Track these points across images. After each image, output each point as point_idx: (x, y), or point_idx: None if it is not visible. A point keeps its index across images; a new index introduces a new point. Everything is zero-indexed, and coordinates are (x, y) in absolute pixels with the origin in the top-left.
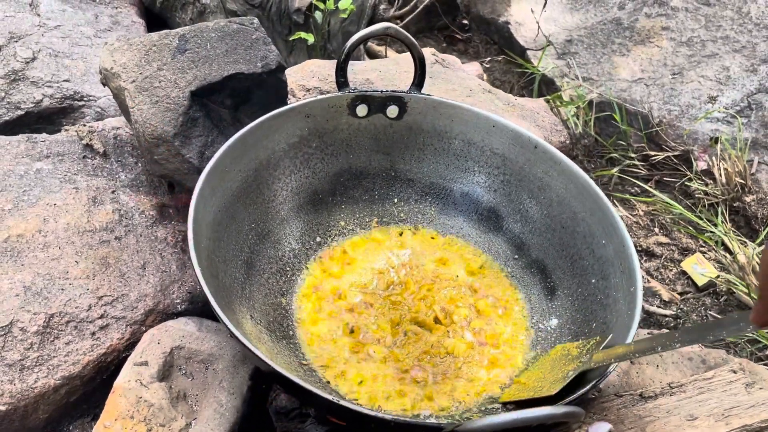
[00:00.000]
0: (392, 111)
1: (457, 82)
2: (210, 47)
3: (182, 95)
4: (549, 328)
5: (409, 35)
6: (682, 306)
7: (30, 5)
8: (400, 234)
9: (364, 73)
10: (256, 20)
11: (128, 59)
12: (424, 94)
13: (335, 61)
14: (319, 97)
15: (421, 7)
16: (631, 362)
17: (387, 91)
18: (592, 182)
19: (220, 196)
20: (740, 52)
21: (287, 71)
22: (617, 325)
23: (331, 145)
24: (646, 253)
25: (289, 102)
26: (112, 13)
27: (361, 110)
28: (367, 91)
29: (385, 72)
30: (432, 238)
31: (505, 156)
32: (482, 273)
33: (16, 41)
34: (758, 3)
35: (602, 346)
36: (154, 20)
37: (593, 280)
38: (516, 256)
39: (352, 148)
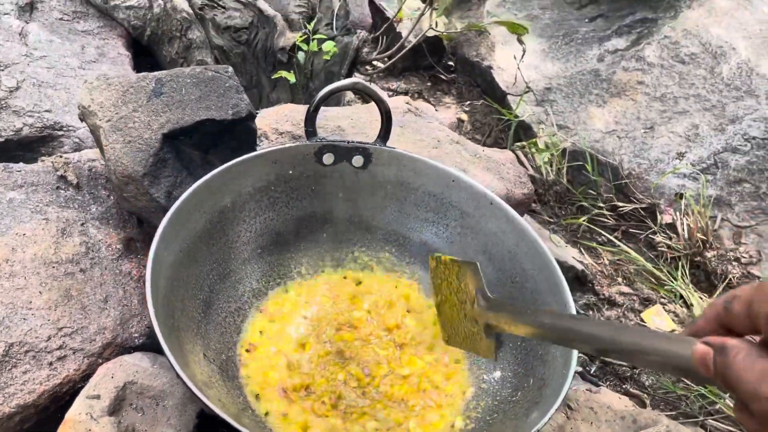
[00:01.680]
0: (357, 161)
1: (426, 132)
2: (185, 92)
3: (154, 137)
4: (492, 380)
5: (375, 91)
6: None
7: (19, 35)
8: (358, 283)
9: (336, 120)
10: (230, 69)
11: (105, 98)
12: (388, 147)
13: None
14: (287, 145)
15: (407, 49)
16: (567, 417)
17: (353, 142)
18: (541, 241)
19: (183, 237)
20: (710, 111)
21: (263, 112)
22: (553, 381)
23: (296, 190)
24: (609, 302)
25: (260, 144)
26: (99, 44)
27: (328, 159)
28: (334, 141)
29: (357, 119)
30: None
31: (463, 210)
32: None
33: (2, 70)
34: (730, 64)
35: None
36: (142, 52)
37: None
38: None
39: (317, 194)
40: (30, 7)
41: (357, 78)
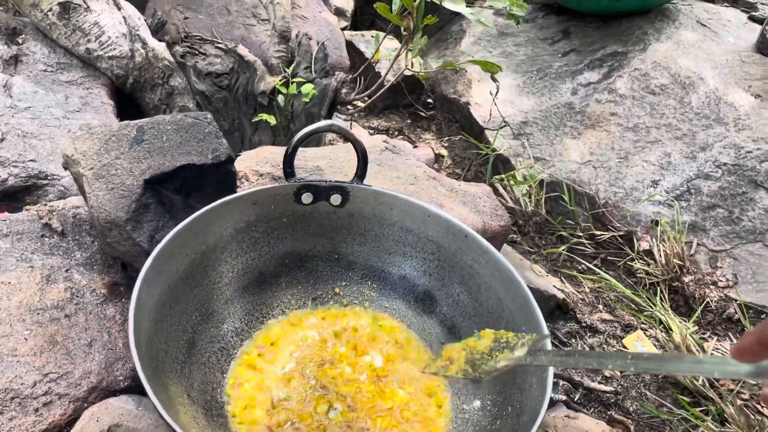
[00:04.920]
0: (336, 199)
1: (404, 169)
2: (165, 139)
3: (136, 183)
4: (472, 410)
5: (351, 132)
6: (622, 382)
7: (4, 87)
8: (340, 320)
9: (315, 160)
10: (209, 115)
11: (89, 147)
12: (365, 185)
13: None
14: (266, 186)
15: (385, 88)
16: None
17: (331, 181)
18: (515, 271)
19: (166, 279)
20: (681, 140)
21: (243, 155)
22: (529, 408)
23: (277, 230)
24: (590, 329)
25: (242, 186)
26: (82, 94)
27: (307, 198)
28: (312, 181)
29: (335, 159)
30: (374, 320)
31: (439, 243)
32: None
33: None
34: (699, 93)
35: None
36: (125, 100)
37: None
38: (446, 339)
39: (298, 233)
40: (15, 60)
41: (332, 120)
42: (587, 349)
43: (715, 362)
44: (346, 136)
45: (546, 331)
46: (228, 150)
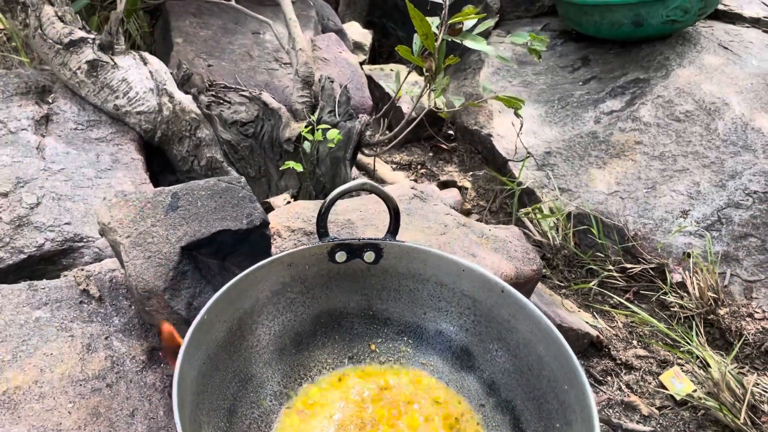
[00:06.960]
0: (369, 256)
1: (433, 218)
2: (200, 205)
3: (173, 251)
4: None
5: (384, 190)
6: (661, 421)
7: (36, 149)
8: (378, 378)
9: (346, 214)
10: (243, 179)
11: (124, 215)
12: (398, 241)
13: (318, 202)
14: (301, 247)
15: (410, 127)
16: None
17: (364, 239)
18: (554, 328)
19: (205, 349)
20: (709, 168)
21: (274, 212)
22: None
23: (312, 289)
24: (625, 366)
25: (274, 242)
26: (112, 151)
27: (340, 257)
28: (345, 240)
29: (366, 212)
30: (411, 380)
31: (475, 298)
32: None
33: (22, 186)
34: (725, 120)
35: None
36: (153, 153)
37: (557, 425)
38: (486, 397)
39: (332, 291)
40: (45, 119)
41: (365, 179)
42: (624, 387)
43: None
44: (379, 194)
45: (590, 393)
46: (262, 215)
